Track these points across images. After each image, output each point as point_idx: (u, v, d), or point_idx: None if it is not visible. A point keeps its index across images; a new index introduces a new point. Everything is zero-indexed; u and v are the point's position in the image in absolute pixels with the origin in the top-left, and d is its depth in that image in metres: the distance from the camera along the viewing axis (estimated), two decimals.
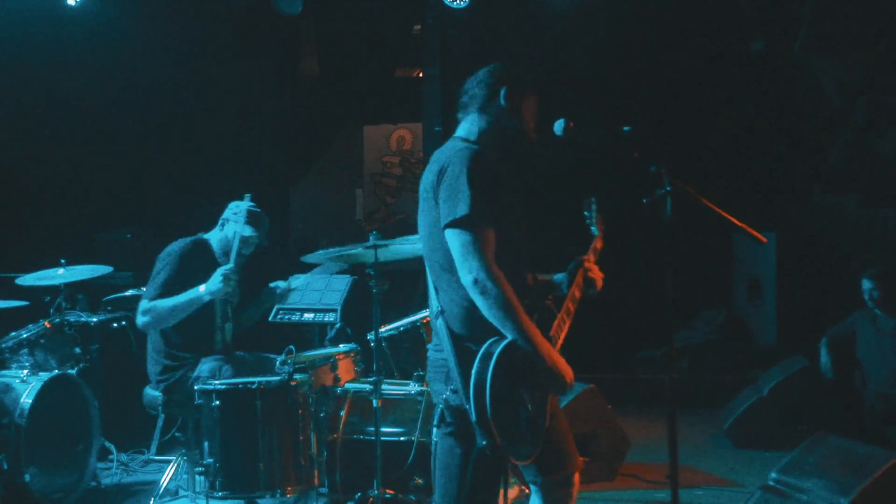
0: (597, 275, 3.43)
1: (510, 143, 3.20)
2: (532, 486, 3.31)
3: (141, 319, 4.79)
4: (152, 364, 4.98)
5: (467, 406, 2.90)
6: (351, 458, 4.64)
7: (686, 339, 8.80)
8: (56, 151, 8.40)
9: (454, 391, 2.98)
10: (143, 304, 4.78)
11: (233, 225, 5.04)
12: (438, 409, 3.07)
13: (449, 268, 3.04)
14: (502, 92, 3.23)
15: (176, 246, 4.95)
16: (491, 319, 2.94)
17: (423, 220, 3.15)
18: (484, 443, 2.87)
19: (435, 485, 3.17)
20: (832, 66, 8.54)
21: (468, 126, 3.25)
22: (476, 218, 2.93)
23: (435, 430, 3.14)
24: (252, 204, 5.05)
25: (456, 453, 3.05)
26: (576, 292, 3.33)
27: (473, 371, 2.90)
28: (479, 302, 2.93)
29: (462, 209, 2.93)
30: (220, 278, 4.70)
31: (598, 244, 3.59)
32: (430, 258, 3.13)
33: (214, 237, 5.10)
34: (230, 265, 4.78)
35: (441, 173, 3.02)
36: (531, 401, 3.02)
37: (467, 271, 2.92)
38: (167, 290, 4.78)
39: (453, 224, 2.95)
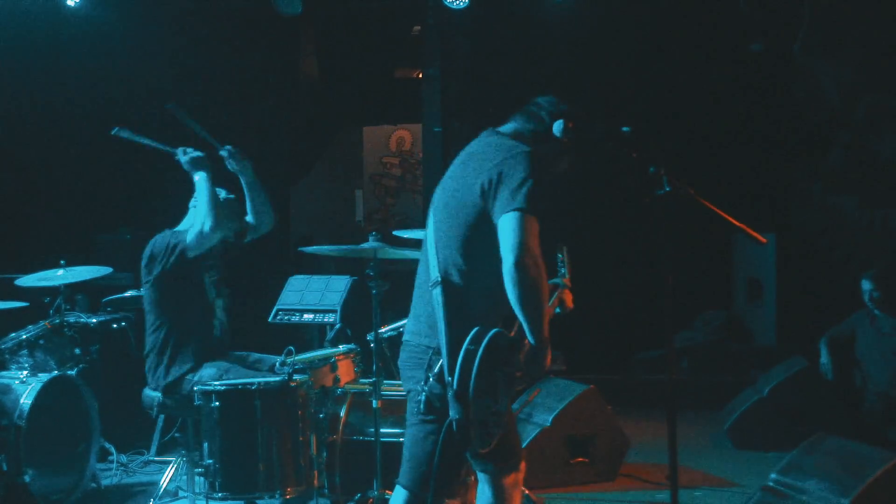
0: (569, 301, 3.54)
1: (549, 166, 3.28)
2: (481, 475, 3.40)
3: (207, 233, 4.80)
4: (152, 364, 4.97)
5: (449, 378, 2.99)
6: (351, 459, 4.64)
7: (686, 340, 8.80)
8: (56, 152, 8.40)
9: (434, 376, 3.07)
10: (196, 234, 4.79)
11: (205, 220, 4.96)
12: (418, 397, 3.13)
13: (470, 244, 3.13)
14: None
15: (164, 236, 4.96)
16: (516, 302, 3.00)
17: (452, 196, 3.22)
18: (457, 416, 2.95)
19: (403, 469, 3.26)
20: (832, 67, 8.55)
21: (518, 126, 3.36)
22: (534, 211, 3.02)
23: (411, 417, 3.22)
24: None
25: (432, 439, 3.14)
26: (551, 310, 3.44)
27: (466, 342, 2.98)
28: (514, 284, 2.98)
29: (526, 201, 3.02)
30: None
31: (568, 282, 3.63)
32: (449, 232, 3.19)
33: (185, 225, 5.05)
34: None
35: (502, 165, 3.10)
36: (503, 397, 3.10)
37: (513, 253, 2.98)
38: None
39: (513, 210, 3.01)
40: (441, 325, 3.08)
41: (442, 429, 3.08)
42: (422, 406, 3.12)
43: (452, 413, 2.98)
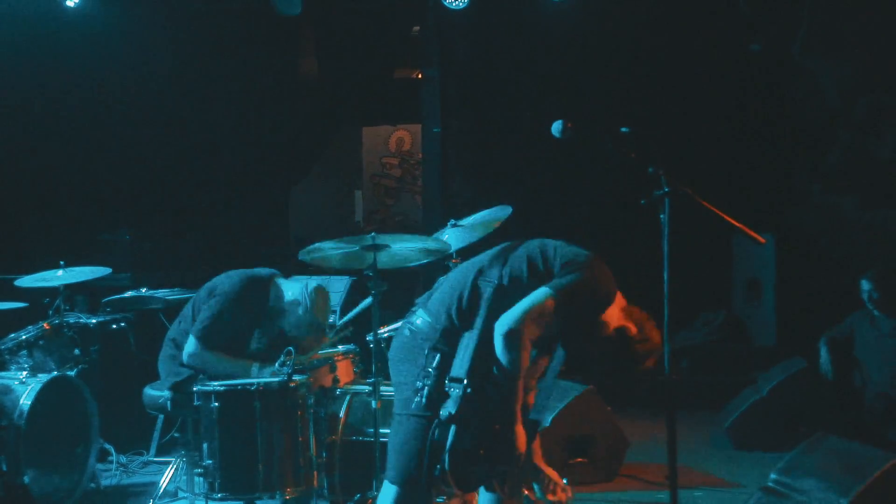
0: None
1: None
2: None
3: (188, 359, 4.78)
4: (165, 361, 4.97)
5: (465, 379, 3.04)
6: (350, 459, 4.64)
7: (685, 340, 8.80)
8: (55, 152, 8.40)
9: (434, 369, 3.11)
10: (192, 345, 4.75)
11: (295, 314, 4.87)
12: (419, 391, 3.14)
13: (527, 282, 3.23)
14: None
15: (235, 286, 4.84)
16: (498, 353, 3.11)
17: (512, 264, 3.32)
18: (445, 416, 3.00)
19: (391, 464, 3.27)
20: (831, 67, 8.55)
21: None
22: (559, 297, 3.13)
23: (402, 409, 3.22)
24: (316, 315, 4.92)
25: (416, 436, 3.16)
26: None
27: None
28: (499, 349, 3.08)
29: (562, 288, 3.15)
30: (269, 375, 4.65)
31: None
32: (521, 260, 3.30)
33: (286, 289, 4.92)
34: (281, 372, 4.52)
35: (577, 259, 3.27)
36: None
37: (511, 318, 3.09)
38: (213, 327, 4.75)
39: (549, 287, 3.14)
40: (479, 323, 3.14)
41: (433, 422, 3.08)
42: (423, 400, 3.12)
43: (448, 409, 3.00)
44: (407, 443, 3.20)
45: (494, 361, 3.11)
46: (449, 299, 3.28)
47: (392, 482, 3.27)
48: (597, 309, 3.29)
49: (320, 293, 4.90)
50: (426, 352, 3.15)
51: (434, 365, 3.11)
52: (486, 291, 3.20)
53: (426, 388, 3.12)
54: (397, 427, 3.25)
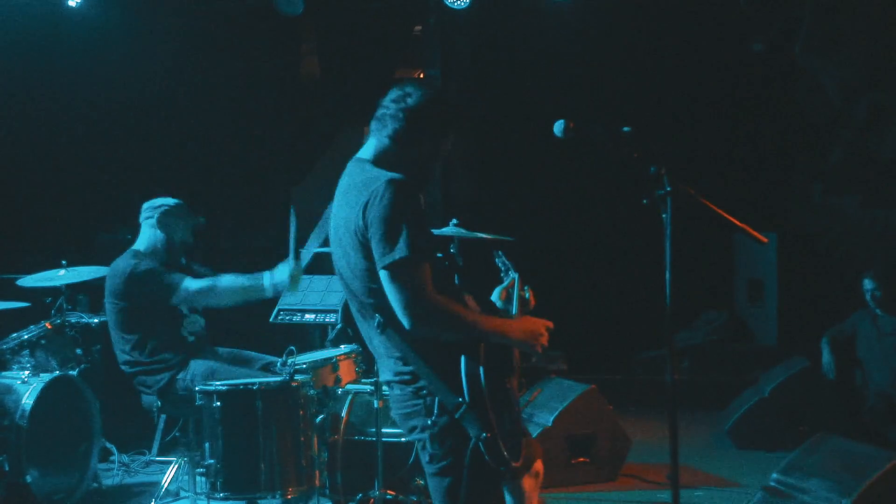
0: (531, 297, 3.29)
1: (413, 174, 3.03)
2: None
3: (195, 297, 4.83)
4: (141, 385, 5.00)
5: (459, 399, 2.81)
6: (352, 458, 4.64)
7: (687, 340, 8.80)
8: (56, 152, 8.40)
9: (436, 415, 2.88)
10: (190, 284, 4.82)
11: (178, 222, 5.12)
12: (426, 444, 2.92)
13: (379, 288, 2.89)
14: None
15: (141, 266, 4.97)
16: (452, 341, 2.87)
17: (347, 257, 2.97)
18: (484, 435, 2.79)
19: None
20: (832, 67, 8.54)
21: (377, 142, 3.09)
22: (416, 256, 2.80)
23: (427, 467, 3.00)
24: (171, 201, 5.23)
25: (454, 488, 2.94)
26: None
27: (463, 365, 2.84)
28: (437, 337, 2.85)
29: (397, 247, 2.79)
30: (288, 277, 4.61)
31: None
32: (356, 278, 2.95)
33: (147, 241, 5.14)
34: (296, 264, 4.55)
35: (367, 209, 2.85)
36: (513, 407, 3.01)
37: (405, 318, 2.80)
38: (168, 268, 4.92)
39: (388, 264, 2.80)
40: (415, 357, 2.88)
41: (463, 462, 2.87)
42: (433, 449, 2.92)
43: (474, 430, 2.81)
44: (443, 498, 2.99)
45: (452, 349, 2.85)
46: (389, 348, 2.97)
47: None
48: (425, 161, 3.07)
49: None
50: (425, 398, 2.92)
51: (436, 411, 2.89)
52: (389, 335, 2.91)
53: (427, 439, 2.92)
54: (433, 485, 3.03)
